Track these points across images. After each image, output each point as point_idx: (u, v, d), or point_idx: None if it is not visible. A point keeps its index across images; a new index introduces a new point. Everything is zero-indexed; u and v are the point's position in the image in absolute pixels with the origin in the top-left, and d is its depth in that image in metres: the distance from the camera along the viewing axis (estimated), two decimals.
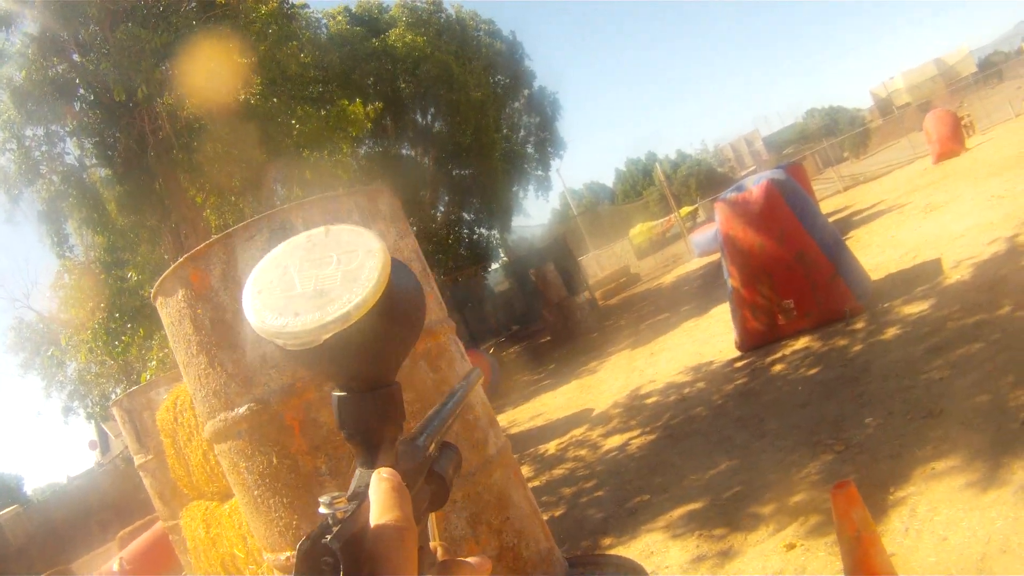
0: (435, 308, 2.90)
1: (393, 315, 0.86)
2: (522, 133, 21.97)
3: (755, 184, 10.28)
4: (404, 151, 18.46)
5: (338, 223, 2.09)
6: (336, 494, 0.73)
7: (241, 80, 10.99)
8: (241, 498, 2.75)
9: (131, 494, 27.72)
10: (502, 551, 2.71)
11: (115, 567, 15.82)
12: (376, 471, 0.81)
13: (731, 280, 10.39)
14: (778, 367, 9.14)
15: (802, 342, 9.62)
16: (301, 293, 0.84)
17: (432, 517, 0.93)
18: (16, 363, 26.68)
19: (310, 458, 2.51)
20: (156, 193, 11.29)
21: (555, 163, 23.78)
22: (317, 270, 0.88)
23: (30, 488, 66.34)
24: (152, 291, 2.88)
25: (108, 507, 33.80)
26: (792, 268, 9.78)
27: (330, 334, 0.80)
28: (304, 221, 2.60)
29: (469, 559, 0.79)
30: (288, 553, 2.63)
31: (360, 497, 0.76)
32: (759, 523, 5.53)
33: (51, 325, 26.11)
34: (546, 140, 22.82)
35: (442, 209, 20.71)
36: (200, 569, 5.16)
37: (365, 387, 0.88)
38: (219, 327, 2.53)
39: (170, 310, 2.69)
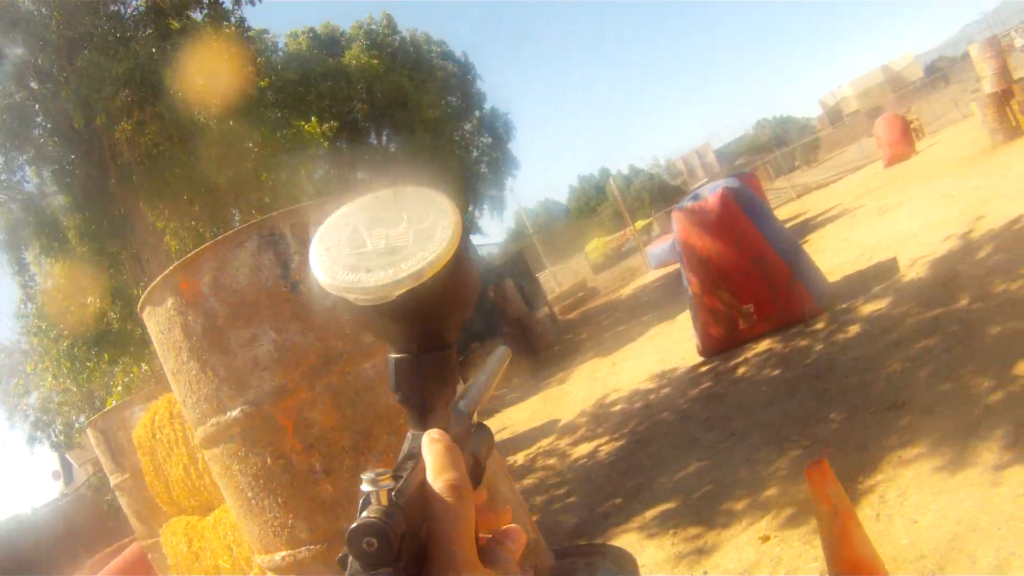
0: None
1: (460, 277, 0.87)
2: (475, 153, 22.04)
3: (711, 193, 10.47)
4: (360, 175, 18.45)
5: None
6: (380, 470, 0.72)
7: (200, 106, 11.01)
8: (233, 502, 2.81)
9: (99, 522, 27.34)
10: None
11: None
12: (427, 432, 0.82)
13: (691, 288, 10.52)
14: (741, 370, 9.31)
15: (763, 345, 9.81)
16: (373, 250, 0.85)
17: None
18: None
19: (304, 457, 2.59)
20: (116, 219, 11.24)
21: (508, 182, 23.95)
22: (388, 228, 0.88)
23: None
24: (139, 303, 2.94)
25: (75, 536, 33.24)
26: (750, 273, 9.95)
27: (404, 290, 0.80)
28: (292, 229, 2.68)
29: (511, 526, 0.80)
30: (284, 552, 2.69)
31: (415, 458, 0.77)
32: (732, 519, 5.65)
33: (11, 355, 25.76)
34: (499, 159, 22.92)
35: None
36: None
37: (425, 348, 0.89)
38: (211, 333, 2.60)
39: (159, 319, 2.75)
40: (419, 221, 0.87)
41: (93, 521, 29.71)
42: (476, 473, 0.86)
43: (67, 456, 38.31)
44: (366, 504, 0.65)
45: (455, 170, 19.23)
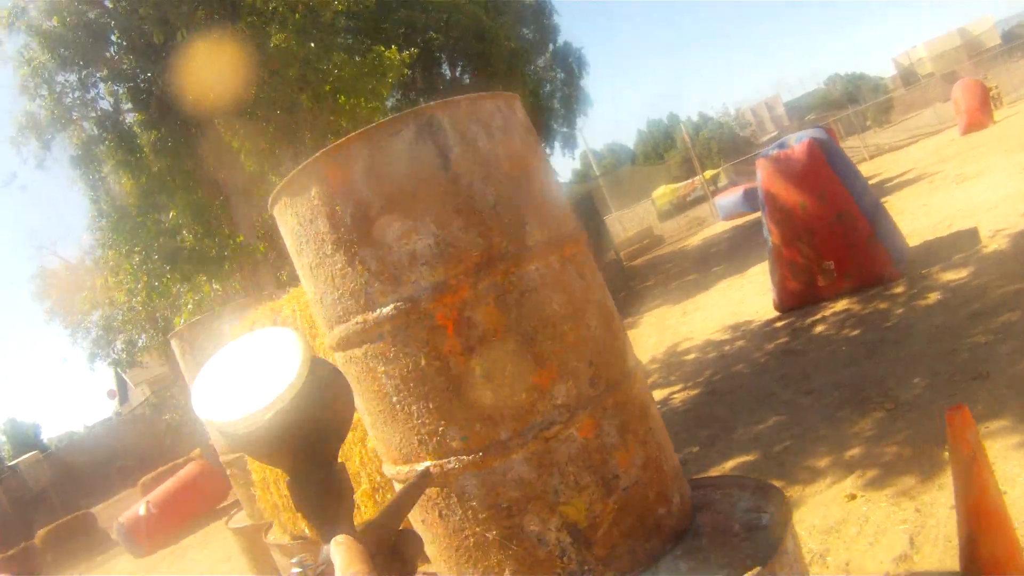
0: (571, 218, 2.78)
1: (321, 397, 1.01)
2: (548, 88, 21.65)
3: (798, 142, 10.22)
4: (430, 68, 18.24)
5: (477, 125, 1.97)
6: (306, 556, 0.90)
7: (278, 25, 10.84)
8: (373, 407, 2.62)
9: (155, 441, 27.87)
10: (647, 462, 2.63)
11: (141, 511, 15.92)
12: (334, 539, 0.93)
13: (771, 238, 10.31)
14: (819, 327, 9.15)
15: (841, 304, 9.63)
16: (240, 386, 0.99)
17: None
18: (41, 310, 26.65)
19: (463, 359, 2.39)
20: (192, 137, 11.13)
21: (580, 120, 23.48)
22: (251, 366, 1.03)
23: (46, 436, 67.19)
24: (270, 198, 2.74)
25: (128, 455, 34.01)
26: (833, 228, 9.74)
27: (271, 413, 0.94)
28: (450, 120, 2.47)
29: None
30: (429, 462, 2.51)
31: (326, 565, 0.89)
32: (816, 476, 5.51)
33: (76, 272, 26.11)
34: (571, 96, 22.46)
35: None
36: (267, 503, 5.08)
37: (311, 468, 1.03)
38: (362, 223, 2.40)
39: (298, 210, 2.55)
40: (276, 355, 1.03)
41: (149, 440, 30.33)
42: (397, 567, 1.02)
43: (123, 375, 39.09)
44: None
45: (528, 104, 18.85)
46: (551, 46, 21.34)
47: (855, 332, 8.43)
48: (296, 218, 2.58)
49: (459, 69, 19.02)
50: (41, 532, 20.74)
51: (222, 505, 17.39)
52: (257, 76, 10.47)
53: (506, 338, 2.43)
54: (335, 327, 2.62)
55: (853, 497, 4.93)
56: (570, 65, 21.76)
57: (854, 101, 51.74)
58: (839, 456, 5.63)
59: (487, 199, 2.48)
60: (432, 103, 2.48)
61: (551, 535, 2.47)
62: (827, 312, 9.53)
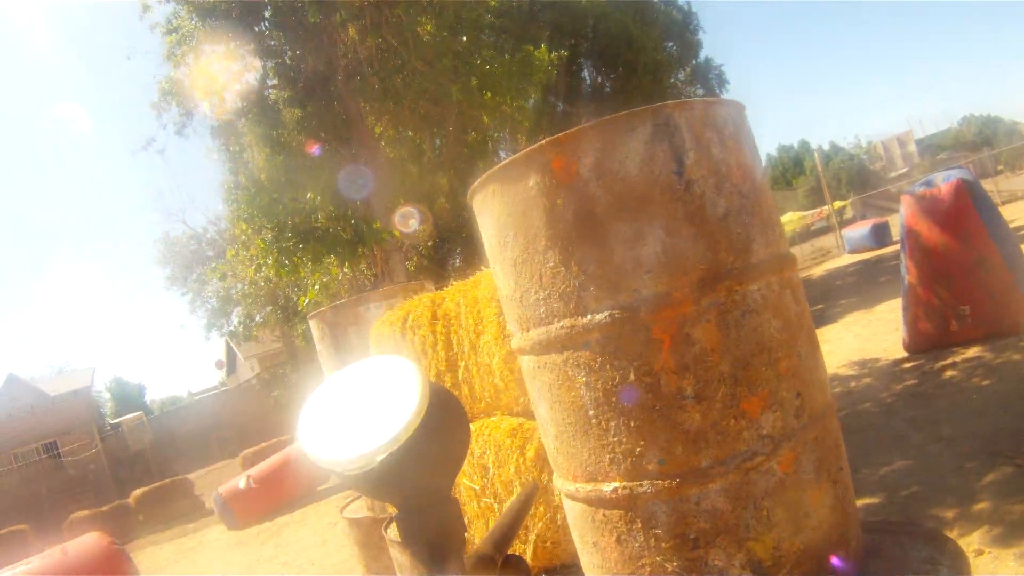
0: (786, 238, 2.60)
1: (438, 433, 0.97)
2: (695, 65, 21.33)
3: (945, 182, 9.79)
4: (571, 109, 18.14)
5: (712, 131, 1.79)
6: None
7: (431, 15, 10.86)
8: (563, 417, 2.46)
9: (261, 416, 28.50)
10: (835, 503, 2.46)
11: (242, 484, 16.13)
12: None
13: (907, 276, 9.90)
14: (950, 372, 8.60)
15: (973, 351, 8.97)
16: (350, 423, 0.95)
17: None
18: (163, 276, 27.44)
19: (675, 378, 2.23)
20: (337, 118, 11.22)
21: None
22: (363, 401, 0.99)
23: (150, 398, 69.74)
24: (474, 184, 2.62)
25: (229, 426, 34.91)
26: (972, 273, 9.17)
27: (383, 455, 0.90)
28: (687, 122, 2.31)
29: None
30: (617, 484, 2.35)
31: None
32: (943, 526, 5.14)
33: (200, 243, 26.80)
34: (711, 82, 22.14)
35: None
36: None
37: (423, 505, 1.00)
38: (586, 221, 2.24)
39: (509, 199, 2.41)
40: (390, 389, 0.98)
41: (254, 413, 31.05)
42: None
43: (234, 347, 40.09)
44: None
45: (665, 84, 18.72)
46: (693, 61, 21.03)
47: (987, 381, 7.82)
48: (505, 207, 2.44)
49: (602, 76, 18.89)
50: (136, 492, 21.08)
51: (321, 487, 17.54)
52: (408, 65, 10.49)
53: (722, 360, 2.26)
54: (532, 328, 2.48)
55: (981, 553, 4.55)
56: (710, 81, 21.37)
57: (988, 143, 50.03)
58: (967, 508, 5.18)
59: (717, 210, 2.32)
60: (667, 102, 2.31)
61: (734, 571, 2.31)
62: (958, 358, 8.94)
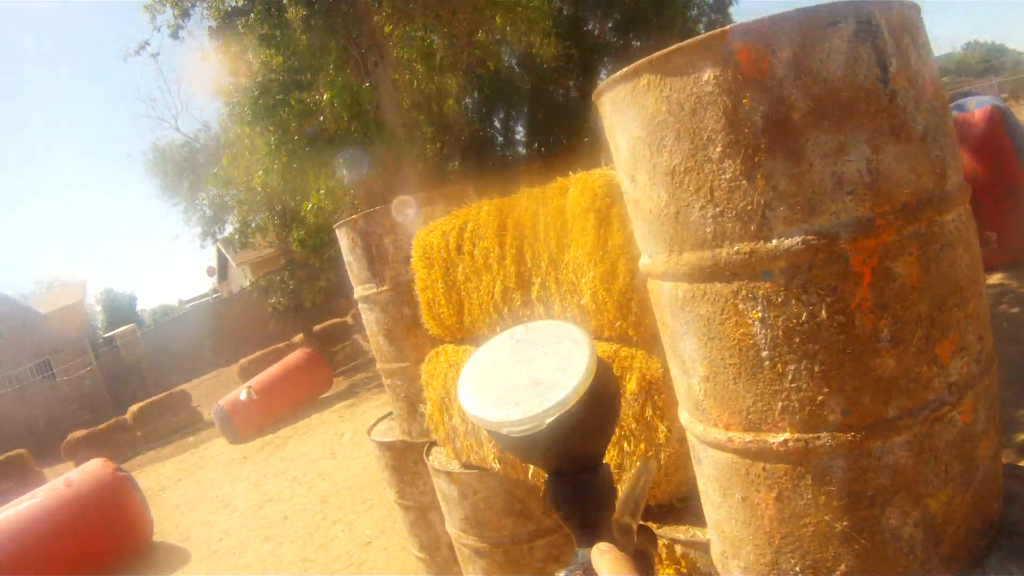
0: (963, 167, 2.29)
1: (601, 400, 0.98)
2: (694, 12, 20.73)
3: (978, 107, 9.90)
4: (580, 12, 17.64)
5: (908, 36, 1.90)
6: (576, 562, 0.92)
7: None
8: (723, 357, 2.12)
9: (258, 324, 28.16)
10: (996, 452, 2.28)
11: (243, 396, 15.95)
12: (596, 546, 0.92)
13: None
14: None
15: (997, 277, 9.46)
16: (517, 385, 0.97)
17: None
18: (154, 185, 26.83)
19: (872, 317, 1.90)
20: (346, 16, 10.63)
21: None
22: (528, 363, 1.00)
23: (141, 307, 69.60)
24: (613, 75, 2.23)
25: (225, 334, 34.65)
26: (1001, 200, 9.47)
27: (552, 417, 0.92)
28: (888, 23, 1.93)
29: None
30: (788, 435, 2.03)
31: (586, 571, 0.89)
32: None
33: (194, 147, 26.08)
34: (718, 23, 21.48)
35: None
36: (442, 425, 4.68)
37: (578, 469, 1.00)
38: (778, 128, 1.86)
39: (671, 95, 2.01)
40: (556, 353, 0.99)
41: (251, 322, 30.72)
42: (646, 571, 0.97)
43: (226, 254, 39.57)
44: None
45: (679, 26, 18.19)
46: None
47: (1015, 309, 8.18)
48: (664, 104, 2.04)
49: None
50: (133, 408, 21.02)
51: (324, 395, 17.40)
52: None
53: (920, 299, 1.95)
54: (689, 251, 2.12)
55: None
56: None
57: (993, 72, 49.67)
58: (1008, 438, 5.36)
59: (918, 126, 1.97)
60: None
61: (907, 530, 2.07)
62: None
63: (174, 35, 12.49)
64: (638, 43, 18.26)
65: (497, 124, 19.74)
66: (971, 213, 2.21)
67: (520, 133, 20.05)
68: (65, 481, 9.93)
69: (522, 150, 19.60)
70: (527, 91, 18.15)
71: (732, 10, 21.99)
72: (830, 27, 1.86)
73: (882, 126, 1.89)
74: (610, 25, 19.00)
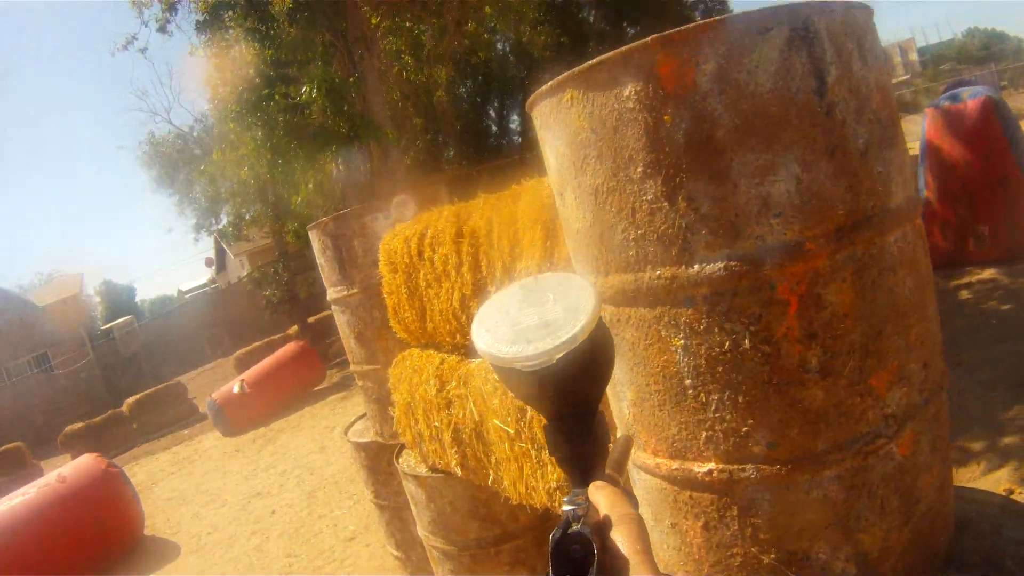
0: (913, 179, 2.17)
1: (603, 344, 1.01)
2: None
3: (972, 98, 9.56)
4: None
5: (852, 42, 1.85)
6: (578, 491, 0.94)
7: None
8: (648, 384, 2.04)
9: (252, 315, 28.13)
10: (942, 484, 2.25)
11: (236, 389, 15.90)
12: (592, 483, 0.96)
13: (926, 191, 9.83)
14: (965, 294, 8.67)
15: (988, 273, 9.09)
16: (528, 326, 1.00)
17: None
18: (148, 177, 26.71)
19: (799, 347, 1.80)
20: (331, 7, 10.52)
21: None
22: (538, 307, 1.03)
23: (140, 298, 69.78)
24: (540, 89, 2.13)
25: (221, 325, 34.67)
26: (994, 193, 9.21)
27: (562, 353, 0.94)
28: (827, 29, 1.81)
29: None
30: (713, 466, 1.95)
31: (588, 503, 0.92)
32: (968, 459, 5.18)
33: (187, 141, 26.01)
34: (714, 10, 21.32)
35: None
36: (409, 430, 4.62)
37: (578, 412, 1.03)
38: (701, 146, 1.75)
39: (594, 111, 1.90)
40: (564, 297, 1.03)
41: (247, 313, 30.71)
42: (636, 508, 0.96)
43: (224, 245, 39.52)
44: (565, 523, 0.85)
45: (674, 11, 18.08)
46: None
47: (1005, 306, 7.90)
48: (587, 120, 1.94)
49: None
50: (130, 400, 20.96)
51: (317, 388, 17.36)
52: None
53: (854, 327, 1.85)
54: (613, 273, 2.02)
55: (1011, 492, 4.56)
56: None
57: (993, 59, 49.36)
58: (993, 441, 5.26)
59: (858, 141, 1.86)
60: (808, 2, 1.83)
61: (838, 564, 1.99)
62: (973, 279, 9.03)
63: (162, 29, 12.41)
64: (632, 30, 18.16)
65: (491, 113, 19.69)
66: (921, 230, 2.11)
67: (515, 122, 19.99)
68: (58, 477, 9.92)
69: (517, 139, 19.52)
70: (521, 79, 18.05)
71: None
72: (760, 35, 1.74)
73: (815, 142, 1.78)
74: (603, 12, 18.85)
